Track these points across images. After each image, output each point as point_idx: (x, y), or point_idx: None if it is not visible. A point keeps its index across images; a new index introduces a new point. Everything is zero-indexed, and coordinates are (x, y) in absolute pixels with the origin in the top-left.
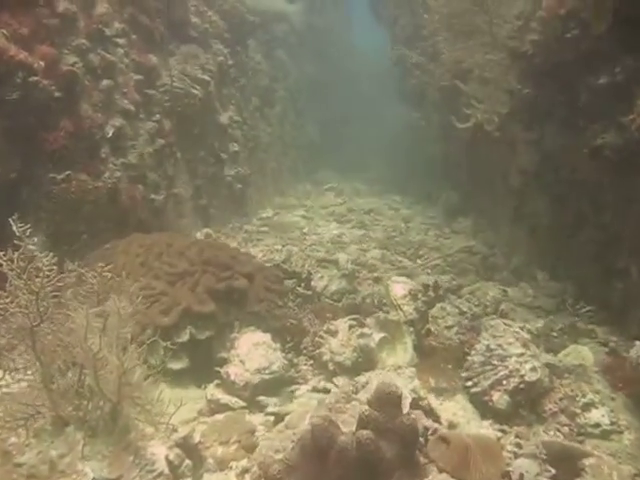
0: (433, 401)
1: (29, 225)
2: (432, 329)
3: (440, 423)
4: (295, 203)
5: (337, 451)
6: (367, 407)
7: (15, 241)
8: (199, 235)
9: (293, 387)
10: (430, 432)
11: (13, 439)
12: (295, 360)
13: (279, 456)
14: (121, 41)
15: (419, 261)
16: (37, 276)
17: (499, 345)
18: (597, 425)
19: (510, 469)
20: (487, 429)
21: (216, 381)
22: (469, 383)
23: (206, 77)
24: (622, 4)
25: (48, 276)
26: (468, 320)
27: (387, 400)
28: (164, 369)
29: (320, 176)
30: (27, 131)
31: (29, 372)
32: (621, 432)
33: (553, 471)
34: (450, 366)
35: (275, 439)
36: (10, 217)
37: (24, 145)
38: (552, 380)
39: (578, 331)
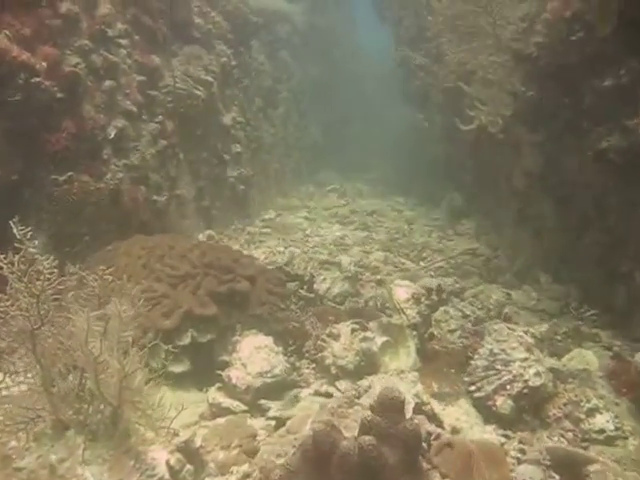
0: (436, 406)
1: (31, 227)
2: (435, 333)
3: (443, 428)
4: (298, 204)
5: (339, 457)
6: (370, 412)
7: (16, 244)
8: (201, 237)
9: (295, 391)
10: (433, 437)
11: (13, 443)
12: (297, 363)
13: (280, 461)
14: (124, 42)
15: (422, 263)
16: (38, 279)
17: (503, 350)
18: (601, 431)
19: (514, 475)
20: (490, 434)
21: (218, 384)
22: (472, 388)
23: (209, 78)
24: (627, 6)
25: (49, 279)
26: (471, 324)
27: (390, 405)
28: (165, 372)
29: (323, 177)
30: (29, 132)
31: (29, 375)
32: (626, 438)
33: (557, 477)
34: (453, 370)
35: (276, 444)
36: (12, 219)
37: (26, 146)
38: (556, 385)
39: (582, 335)
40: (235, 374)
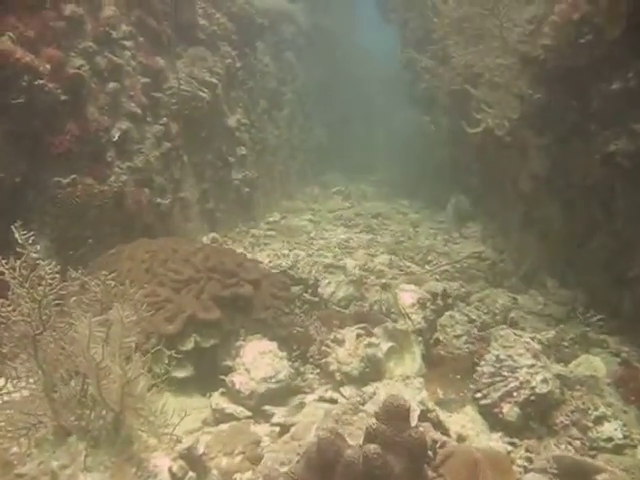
0: (442, 413)
1: (34, 229)
2: (441, 338)
3: (449, 436)
4: (302, 207)
5: (344, 465)
6: (375, 420)
7: (18, 249)
8: (205, 239)
9: (299, 396)
10: (439, 445)
11: (15, 449)
12: (301, 369)
13: (284, 469)
14: (128, 44)
15: (427, 267)
16: (40, 284)
17: (509, 356)
18: (610, 439)
19: None
20: (497, 442)
21: (221, 390)
22: (478, 394)
23: (214, 80)
24: (636, 9)
25: (51, 284)
26: (477, 329)
27: (395, 413)
28: (168, 378)
29: (328, 179)
30: (32, 134)
31: (31, 381)
32: (634, 446)
33: None
34: (459, 376)
35: (280, 451)
36: (15, 221)
37: (29, 149)
38: (563, 392)
39: (589, 341)
40: (239, 379)
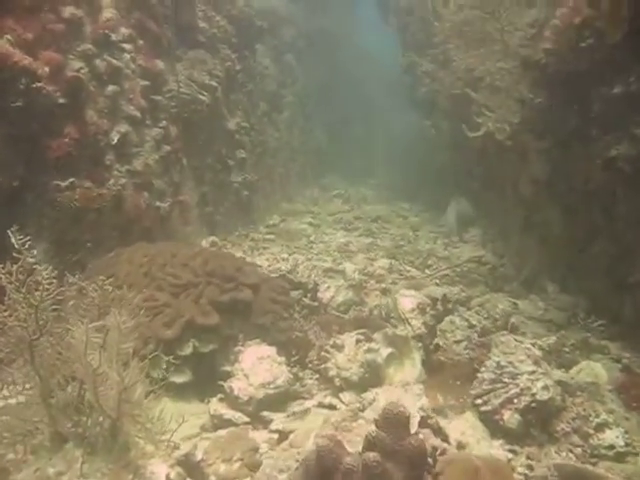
0: (441, 419)
1: (32, 233)
2: (441, 343)
3: (449, 443)
4: (302, 210)
5: (343, 473)
6: (374, 428)
7: (14, 254)
8: (204, 243)
9: (298, 402)
10: (439, 452)
11: (11, 455)
12: (300, 374)
13: (283, 476)
14: (128, 46)
15: (428, 271)
16: (36, 289)
17: (510, 362)
18: (611, 447)
19: None
20: (497, 449)
21: (219, 395)
22: (479, 401)
23: (213, 83)
24: (637, 13)
25: (47, 289)
26: (478, 334)
27: (395, 421)
28: (166, 383)
29: (328, 181)
30: (31, 138)
31: (27, 386)
32: (636, 454)
33: None
34: (459, 382)
35: (279, 458)
36: (13, 225)
37: (28, 152)
38: (564, 399)
39: (590, 347)
40: (237, 385)
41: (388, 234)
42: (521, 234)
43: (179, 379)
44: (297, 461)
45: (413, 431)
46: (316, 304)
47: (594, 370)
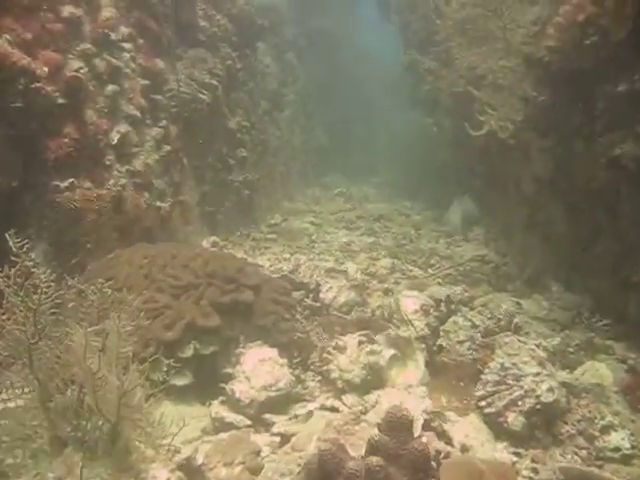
0: (445, 422)
1: (32, 234)
2: (444, 344)
3: (452, 446)
4: (304, 209)
5: (345, 478)
6: (377, 431)
7: (12, 257)
8: (205, 243)
9: (300, 404)
10: (442, 456)
11: (10, 460)
12: (302, 376)
13: None
14: (127, 46)
15: (430, 270)
16: (35, 292)
17: (514, 364)
18: (617, 449)
19: None
20: (502, 452)
21: (221, 398)
22: (483, 403)
23: (214, 82)
24: None
25: (46, 292)
26: (481, 335)
27: (398, 424)
28: (167, 386)
29: (329, 180)
30: (30, 138)
31: (26, 390)
32: None
33: None
34: (462, 384)
35: (281, 461)
36: (12, 226)
37: (27, 152)
38: (569, 400)
39: (595, 347)
40: (239, 387)
41: (390, 233)
42: (524, 233)
43: (180, 382)
44: (299, 465)
45: (417, 434)
46: (318, 305)
47: (599, 371)
